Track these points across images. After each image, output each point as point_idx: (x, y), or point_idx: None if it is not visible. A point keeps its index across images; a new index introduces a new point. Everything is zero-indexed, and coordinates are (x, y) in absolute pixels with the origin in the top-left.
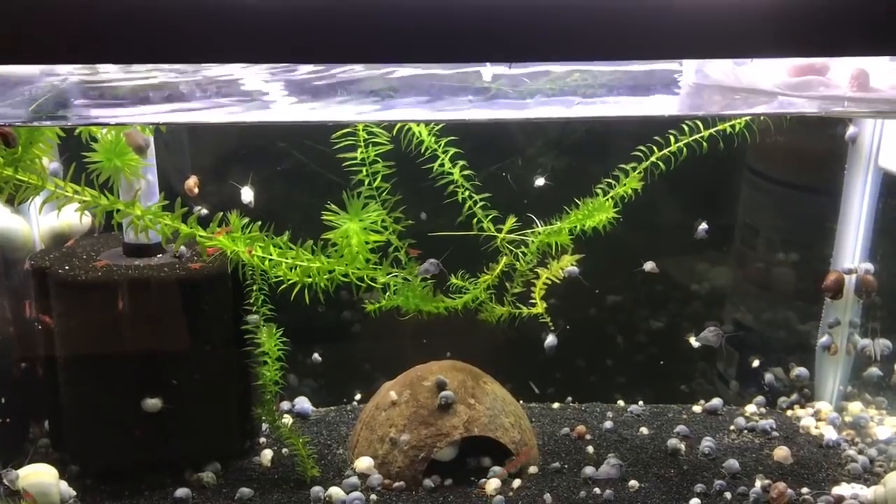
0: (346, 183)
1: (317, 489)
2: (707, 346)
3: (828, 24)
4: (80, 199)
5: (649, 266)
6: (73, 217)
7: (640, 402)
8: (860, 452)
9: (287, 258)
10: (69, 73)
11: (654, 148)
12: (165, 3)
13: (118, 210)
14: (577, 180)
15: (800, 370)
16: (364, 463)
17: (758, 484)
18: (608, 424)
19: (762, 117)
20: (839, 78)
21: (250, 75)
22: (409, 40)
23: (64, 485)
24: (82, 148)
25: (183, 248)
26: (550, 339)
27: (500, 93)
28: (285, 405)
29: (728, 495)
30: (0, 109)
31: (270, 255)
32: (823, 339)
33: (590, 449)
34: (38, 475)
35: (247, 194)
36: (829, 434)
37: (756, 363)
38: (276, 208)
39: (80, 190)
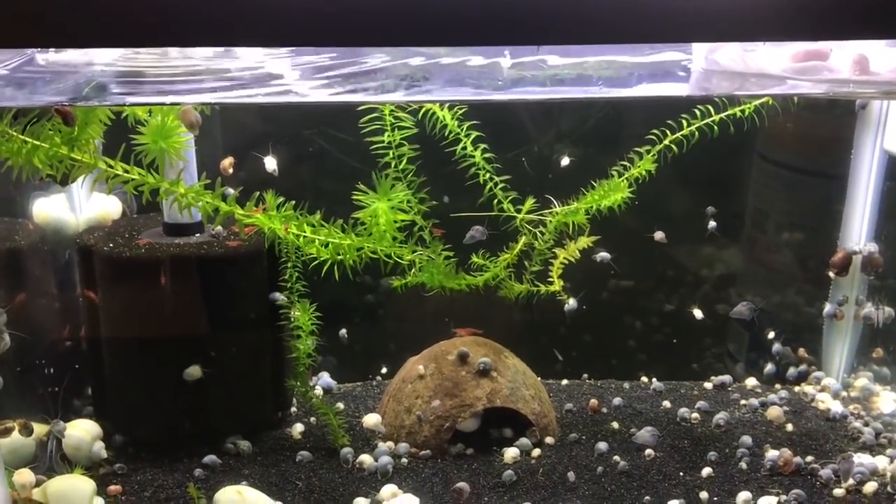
0: (374, 167)
1: (346, 450)
2: (715, 326)
3: (832, 8)
4: (129, 177)
5: (658, 235)
6: (108, 206)
7: (654, 379)
8: (866, 425)
9: (320, 235)
10: (112, 62)
11: (667, 132)
12: None
13: (164, 188)
14: (592, 165)
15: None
16: (371, 420)
17: (767, 454)
18: (618, 400)
19: (770, 102)
20: (839, 63)
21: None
22: (442, 25)
23: (98, 445)
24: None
25: (219, 227)
26: (571, 303)
27: (522, 78)
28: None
29: (743, 465)
30: (52, 94)
31: (304, 232)
32: (828, 308)
33: (615, 425)
34: (75, 427)
35: (270, 163)
36: (836, 408)
37: (766, 341)
38: (303, 191)
39: (129, 169)
